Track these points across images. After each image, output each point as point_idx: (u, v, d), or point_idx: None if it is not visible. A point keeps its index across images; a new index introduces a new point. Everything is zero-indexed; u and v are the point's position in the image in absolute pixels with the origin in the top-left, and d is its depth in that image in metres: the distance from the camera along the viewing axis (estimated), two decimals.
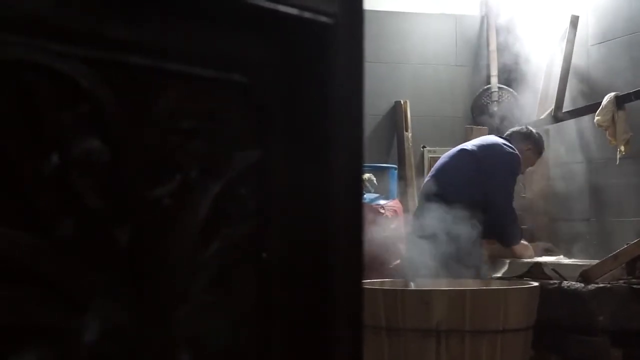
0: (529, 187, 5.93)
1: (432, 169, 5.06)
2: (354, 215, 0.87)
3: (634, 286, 4.02)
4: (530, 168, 5.26)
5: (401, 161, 6.38)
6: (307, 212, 0.85)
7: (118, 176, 0.73)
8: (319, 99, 0.87)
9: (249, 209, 0.83)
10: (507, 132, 5.11)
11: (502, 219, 4.69)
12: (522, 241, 4.94)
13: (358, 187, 0.88)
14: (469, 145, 4.91)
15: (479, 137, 5.45)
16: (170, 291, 0.76)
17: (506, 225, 4.74)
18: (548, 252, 5.23)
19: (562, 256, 5.16)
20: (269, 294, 0.83)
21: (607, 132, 5.22)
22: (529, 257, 4.86)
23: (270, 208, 0.84)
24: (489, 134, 5.82)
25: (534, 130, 5.12)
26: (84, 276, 0.70)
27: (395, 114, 6.53)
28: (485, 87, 6.63)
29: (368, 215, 5.61)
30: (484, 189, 4.62)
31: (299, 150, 0.86)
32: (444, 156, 5.00)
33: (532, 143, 5.03)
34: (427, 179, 5.02)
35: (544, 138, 5.29)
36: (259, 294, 0.83)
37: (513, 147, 4.84)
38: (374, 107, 6.38)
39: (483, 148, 4.80)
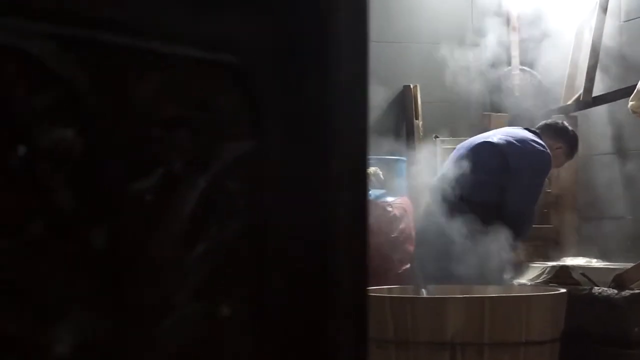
0: (555, 182, 5.94)
1: (447, 161, 5.03)
2: (357, 213, 0.87)
3: None
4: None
5: (411, 153, 6.39)
6: (306, 209, 0.86)
7: (93, 170, 0.73)
8: (319, 84, 0.87)
9: (241, 206, 0.83)
10: (539, 125, 5.05)
11: (518, 226, 4.63)
12: None
13: (362, 182, 0.88)
14: (494, 137, 4.83)
15: (497, 125, 5.46)
16: (153, 299, 0.77)
17: (518, 233, 4.69)
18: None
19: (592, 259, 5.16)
20: (263, 300, 0.83)
21: None
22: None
23: (264, 205, 0.84)
24: (509, 123, 5.82)
25: (569, 128, 5.06)
26: (56, 283, 0.70)
27: (404, 100, 6.53)
28: (505, 69, 6.64)
29: (374, 213, 5.62)
30: (507, 189, 4.60)
31: (296, 140, 0.86)
32: (461, 147, 4.96)
33: (565, 142, 4.99)
34: (441, 172, 5.00)
35: (572, 126, 5.26)
36: (253, 300, 0.83)
37: (544, 144, 4.78)
38: (380, 93, 6.38)
39: (510, 143, 4.73)
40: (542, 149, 4.76)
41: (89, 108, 0.73)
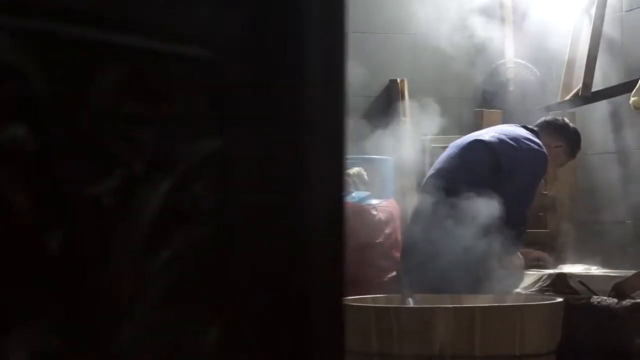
0: (552, 183, 5.95)
1: (437, 161, 5.03)
2: (333, 216, 0.88)
3: None
4: None
5: (397, 152, 6.40)
6: (278, 212, 0.86)
7: (46, 171, 0.73)
8: (291, 79, 0.88)
9: (208, 209, 0.83)
10: (538, 122, 5.04)
11: (510, 228, 4.63)
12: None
13: (339, 182, 0.88)
14: (487, 135, 4.82)
15: (490, 122, 5.47)
16: (112, 309, 0.77)
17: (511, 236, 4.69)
18: (539, 262, 5.16)
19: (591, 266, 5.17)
20: (232, 310, 0.84)
21: None
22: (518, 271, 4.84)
23: (233, 207, 0.84)
24: (503, 120, 5.83)
25: (571, 125, 5.05)
26: (5, 292, 0.70)
27: (390, 95, 6.54)
28: (499, 62, 6.66)
29: (358, 218, 5.63)
30: (500, 191, 4.58)
31: (268, 138, 0.87)
32: (452, 146, 4.96)
33: (566, 140, 4.98)
34: (430, 173, 5.00)
35: (571, 122, 5.25)
36: (220, 310, 0.83)
37: (540, 142, 4.76)
38: (364, 88, 6.39)
39: (503, 141, 4.71)
40: (537, 148, 4.75)
41: (43, 103, 0.74)
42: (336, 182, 0.89)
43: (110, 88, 0.78)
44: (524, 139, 4.76)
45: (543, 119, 5.09)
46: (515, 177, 4.65)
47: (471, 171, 4.65)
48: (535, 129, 4.93)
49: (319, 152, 0.89)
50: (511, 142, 4.73)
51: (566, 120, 5.11)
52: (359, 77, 6.37)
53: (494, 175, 4.65)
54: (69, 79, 0.76)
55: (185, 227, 0.81)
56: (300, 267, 0.86)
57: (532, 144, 4.74)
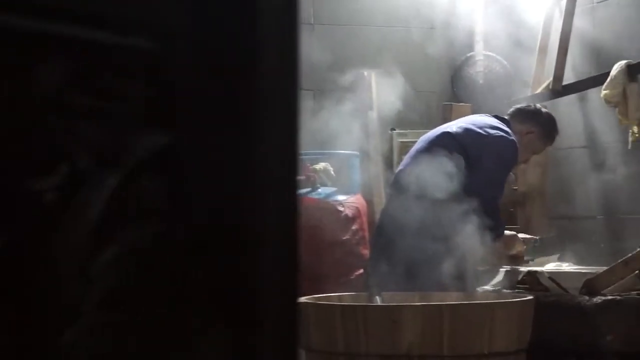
0: (522, 178, 5.98)
1: (406, 157, 5.02)
2: (286, 213, 0.88)
3: None
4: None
5: (365, 147, 6.41)
6: (228, 210, 0.86)
7: None
8: (243, 71, 0.87)
9: (155, 207, 0.83)
10: (510, 110, 5.01)
11: (483, 218, 4.64)
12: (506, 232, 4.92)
13: (292, 176, 0.88)
14: (453, 126, 4.80)
15: (459, 116, 5.45)
16: (56, 310, 0.76)
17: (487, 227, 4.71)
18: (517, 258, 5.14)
19: (559, 261, 5.20)
20: (180, 310, 0.83)
21: (617, 110, 5.27)
22: (518, 250, 4.90)
23: (182, 205, 0.84)
24: (473, 113, 5.83)
25: (543, 110, 5.02)
26: None
27: (358, 88, 6.55)
28: (468, 54, 6.68)
29: (324, 214, 5.63)
30: (468, 181, 4.58)
31: (218, 134, 0.87)
32: (421, 140, 4.94)
33: (537, 125, 4.94)
34: (399, 169, 4.99)
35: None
36: (168, 310, 0.83)
37: (509, 130, 4.73)
38: (331, 81, 6.39)
39: (470, 131, 4.69)
40: (505, 135, 4.72)
41: None
42: (289, 176, 0.89)
43: (54, 81, 0.77)
44: (491, 127, 4.73)
45: (515, 107, 5.07)
46: (482, 165, 4.61)
47: (439, 165, 4.62)
48: (506, 117, 4.90)
49: (271, 147, 0.89)
50: (478, 130, 4.71)
51: (538, 106, 5.08)
52: (326, 69, 6.38)
53: (462, 167, 4.62)
54: (10, 71, 0.75)
55: (132, 225, 0.81)
56: (252, 265, 0.86)
57: (500, 132, 4.73)
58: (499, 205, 4.75)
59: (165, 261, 0.83)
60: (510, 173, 5.02)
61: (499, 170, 4.72)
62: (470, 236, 4.44)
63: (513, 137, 4.72)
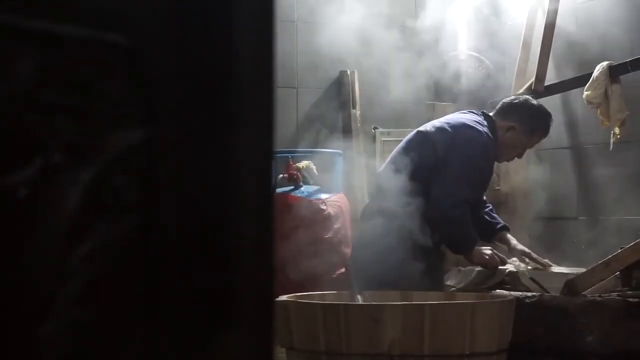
0: (505, 179, 5.99)
1: (389, 157, 4.96)
2: (262, 209, 0.88)
3: (630, 299, 4.08)
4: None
5: (347, 146, 6.41)
6: (204, 206, 0.86)
7: None
8: (219, 66, 0.87)
9: (131, 201, 0.82)
10: (497, 105, 4.80)
11: (448, 234, 4.51)
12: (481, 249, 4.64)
13: (267, 174, 0.88)
14: (429, 125, 4.69)
15: (442, 115, 5.43)
16: (31, 304, 0.76)
17: (451, 242, 4.60)
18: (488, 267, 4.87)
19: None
20: (157, 307, 0.83)
21: (599, 111, 5.28)
22: (494, 267, 4.62)
23: (158, 200, 0.84)
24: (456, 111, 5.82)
25: (529, 102, 4.78)
26: None
27: (340, 87, 6.55)
28: (451, 53, 6.68)
29: (307, 212, 5.63)
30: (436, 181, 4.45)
31: (194, 129, 0.87)
32: (404, 140, 4.88)
33: (518, 119, 4.66)
34: (380, 169, 4.95)
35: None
36: (144, 306, 0.83)
37: (483, 128, 4.57)
38: (313, 79, 6.39)
39: (442, 130, 4.57)
40: (476, 134, 4.56)
41: None
42: (265, 174, 0.89)
43: (28, 75, 0.77)
44: (466, 124, 4.59)
45: (502, 101, 4.87)
46: (449, 167, 4.45)
47: (414, 166, 4.50)
48: (490, 114, 4.70)
49: (247, 144, 0.89)
50: (450, 129, 4.56)
51: (525, 98, 4.86)
52: (308, 67, 6.38)
53: (433, 168, 4.50)
54: None
55: (106, 220, 0.81)
56: (227, 262, 0.86)
57: (473, 130, 4.57)
58: (466, 218, 4.51)
59: (140, 257, 0.83)
60: (494, 174, 4.96)
61: (466, 167, 4.49)
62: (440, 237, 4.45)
63: (486, 135, 4.53)
